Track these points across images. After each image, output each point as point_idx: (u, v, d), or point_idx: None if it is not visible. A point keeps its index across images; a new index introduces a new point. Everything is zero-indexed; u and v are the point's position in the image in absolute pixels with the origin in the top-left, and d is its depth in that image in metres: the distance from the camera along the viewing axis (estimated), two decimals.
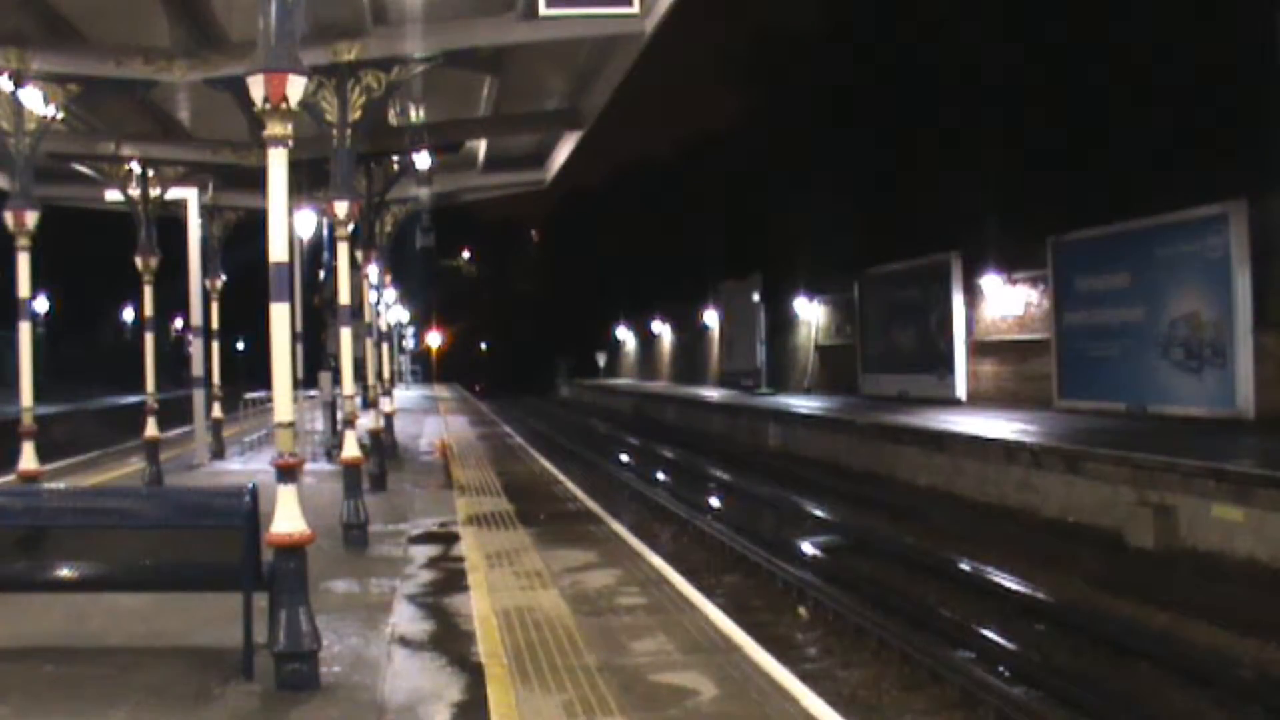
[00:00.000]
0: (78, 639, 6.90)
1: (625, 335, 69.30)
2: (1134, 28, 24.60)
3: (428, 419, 30.59)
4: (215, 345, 17.58)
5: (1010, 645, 9.77)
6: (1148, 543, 13.31)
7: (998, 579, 12.19)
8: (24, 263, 10.45)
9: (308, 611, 5.96)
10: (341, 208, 10.36)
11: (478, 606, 7.92)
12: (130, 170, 14.08)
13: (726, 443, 30.55)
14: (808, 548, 14.66)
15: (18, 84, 10.08)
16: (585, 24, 10.39)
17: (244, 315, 23.71)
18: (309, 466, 15.05)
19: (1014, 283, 24.78)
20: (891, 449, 21.06)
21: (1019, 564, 13.01)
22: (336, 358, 16.44)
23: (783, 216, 40.95)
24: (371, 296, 18.43)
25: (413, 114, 14.13)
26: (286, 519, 5.96)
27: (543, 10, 9.81)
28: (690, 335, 52.23)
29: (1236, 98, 21.54)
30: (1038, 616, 10.86)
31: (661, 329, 58.77)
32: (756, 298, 39.90)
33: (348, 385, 11.11)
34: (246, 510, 6.01)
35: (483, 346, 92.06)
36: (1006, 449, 17.04)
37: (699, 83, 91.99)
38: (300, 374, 18.72)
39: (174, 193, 14.99)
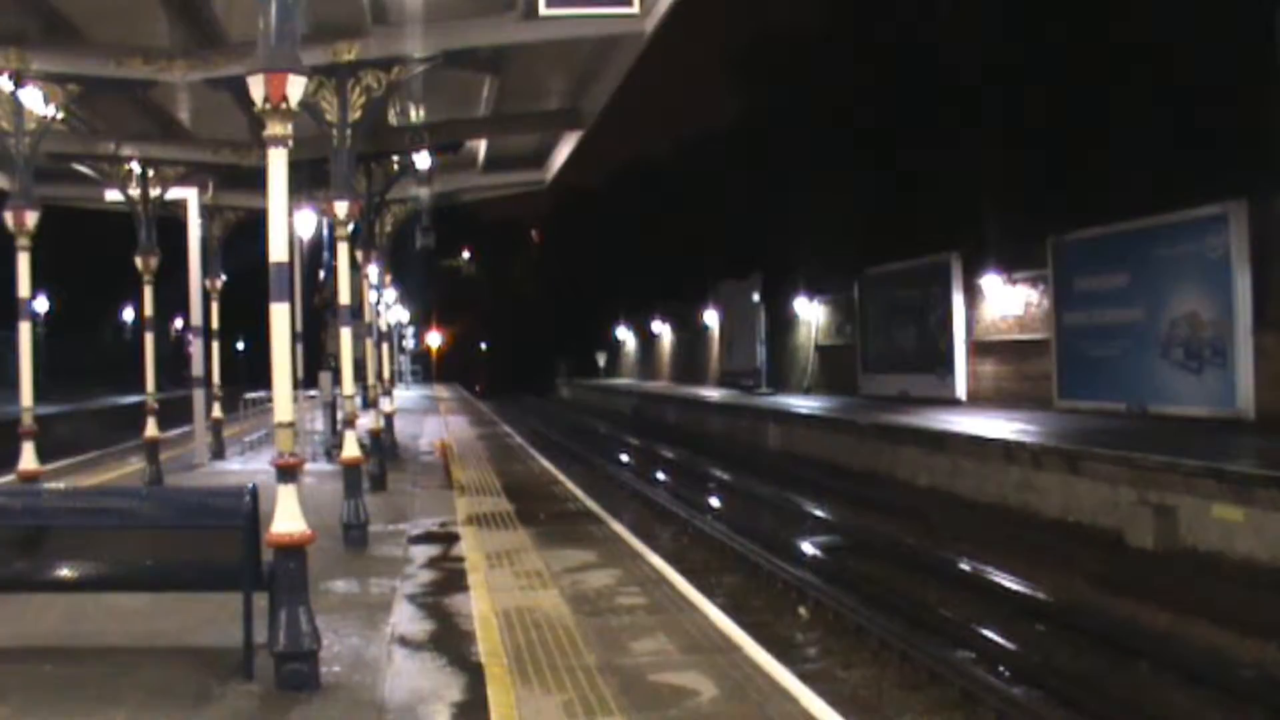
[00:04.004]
0: (78, 639, 6.90)
1: (625, 335, 69.27)
2: (1134, 28, 24.59)
3: (428, 419, 30.59)
4: (215, 345, 17.59)
5: (1010, 645, 9.77)
6: (1148, 543, 13.31)
7: (998, 579, 12.20)
8: (24, 263, 10.46)
9: (308, 611, 5.96)
10: (341, 208, 10.36)
11: (478, 606, 7.92)
12: (130, 170, 14.08)
13: (726, 443, 30.55)
14: (808, 548, 14.66)
15: (18, 84, 10.09)
16: (585, 24, 10.39)
17: (244, 315, 23.70)
18: (309, 466, 15.04)
19: (1014, 283, 24.77)
20: (891, 449, 21.06)
21: (1019, 564, 13.01)
22: (336, 358, 16.45)
23: (783, 216, 40.93)
24: (371, 296, 18.44)
25: (413, 114, 14.14)
26: (286, 519, 5.97)
27: (543, 10, 9.81)
28: (690, 335, 52.22)
29: (1236, 98, 21.53)
30: (1038, 616, 10.86)
31: (661, 329, 58.75)
32: (756, 298, 39.89)
33: (348, 385, 11.11)
34: (246, 510, 6.01)
35: (483, 346, 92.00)
36: (1006, 449, 17.03)
37: (699, 83, 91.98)
38: (300, 374, 18.72)
39: (174, 193, 14.99)
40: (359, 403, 13.49)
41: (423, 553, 10.12)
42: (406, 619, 7.61)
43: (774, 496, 19.58)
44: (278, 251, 6.23)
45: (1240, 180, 18.28)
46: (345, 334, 11.42)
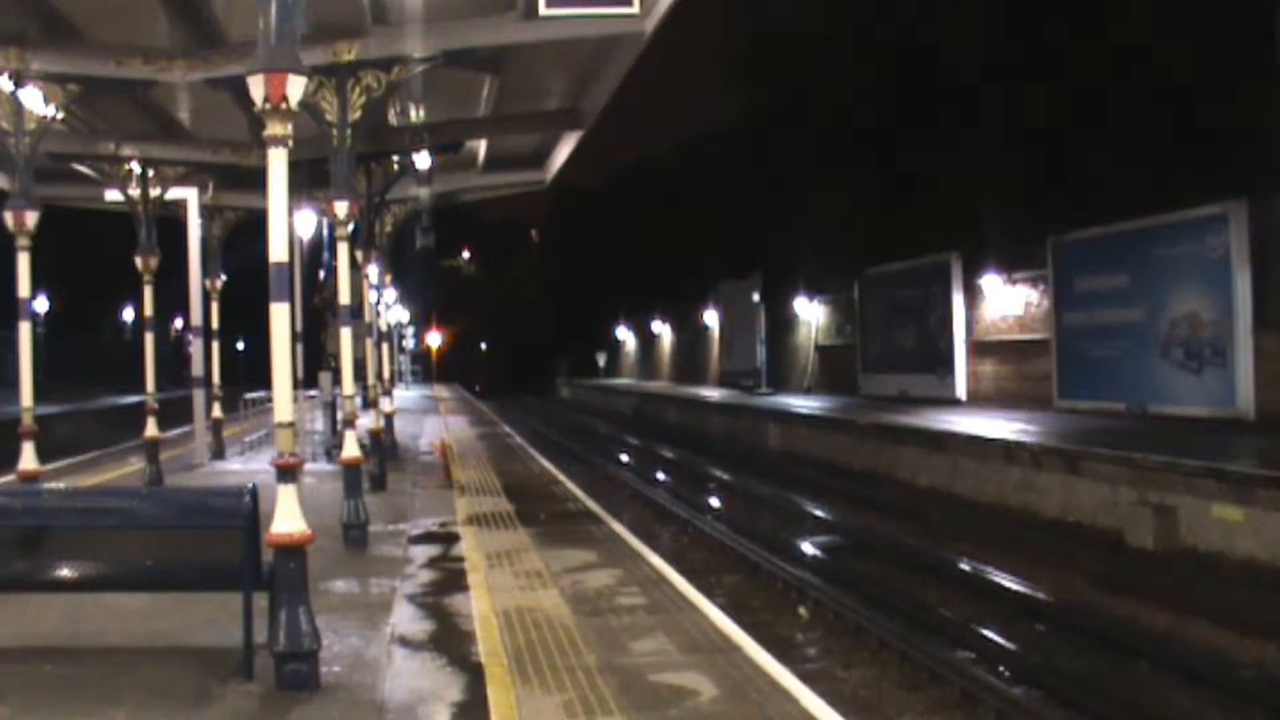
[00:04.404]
0: (78, 639, 6.90)
1: (625, 335, 69.28)
2: (1134, 28, 24.59)
3: (428, 419, 30.59)
4: (215, 345, 17.59)
5: (1010, 645, 9.77)
6: (1148, 543, 13.31)
7: (998, 579, 12.20)
8: (24, 263, 10.46)
9: (308, 611, 5.96)
10: (341, 208, 10.36)
11: (478, 606, 7.92)
12: (130, 170, 14.08)
13: (727, 443, 30.55)
14: (807, 548, 14.66)
15: (18, 84, 10.09)
16: (585, 24, 10.39)
17: (244, 315, 23.70)
18: (309, 466, 15.05)
19: (1014, 283, 24.77)
20: (891, 449, 21.06)
21: (1019, 564, 13.02)
22: (336, 358, 16.45)
23: (783, 216, 40.92)
24: (371, 296, 18.43)
25: (413, 114, 14.13)
26: (286, 519, 5.96)
27: (543, 10, 9.81)
28: (690, 335, 52.23)
29: (1236, 98, 21.53)
30: (1038, 616, 10.86)
31: (661, 329, 58.76)
32: (756, 298, 39.88)
33: (348, 385, 11.11)
34: (246, 510, 6.01)
35: (483, 346, 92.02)
36: (1006, 449, 17.03)
37: (699, 83, 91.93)
38: (300, 374, 18.72)
39: (174, 193, 14.99)
40: (359, 403, 13.48)
41: (423, 553, 10.12)
42: (406, 619, 7.61)
43: (774, 496, 19.57)
44: (278, 251, 6.24)
45: (1240, 180, 18.28)
46: (345, 334, 11.43)
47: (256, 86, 6.02)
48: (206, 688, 5.93)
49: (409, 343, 69.54)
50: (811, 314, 37.12)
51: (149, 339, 14.84)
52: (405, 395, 43.26)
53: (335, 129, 9.91)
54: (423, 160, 15.00)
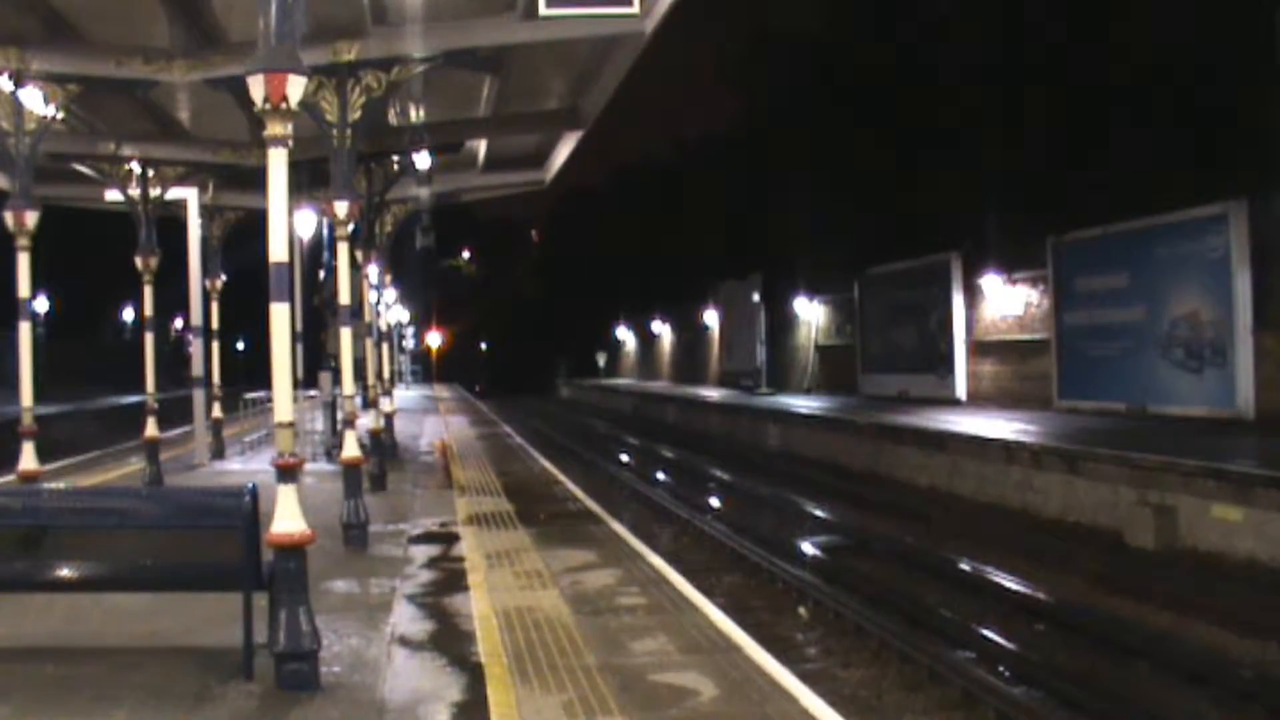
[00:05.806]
0: (78, 639, 6.90)
1: (625, 335, 69.28)
2: (1134, 27, 24.59)
3: (428, 419, 30.59)
4: (215, 345, 17.58)
5: (1010, 645, 9.76)
6: (1148, 542, 13.31)
7: (997, 579, 12.19)
8: (24, 263, 10.46)
9: (308, 611, 5.96)
10: (341, 208, 10.35)
11: (478, 606, 7.92)
12: (130, 170, 14.07)
13: (727, 443, 30.55)
14: (808, 548, 14.65)
15: (18, 84, 10.09)
16: (585, 24, 10.38)
17: (244, 315, 23.70)
18: (309, 466, 15.04)
19: (1014, 283, 24.78)
20: (891, 449, 21.06)
21: (1019, 564, 13.02)
22: (336, 358, 16.44)
23: (783, 216, 40.93)
24: (371, 296, 18.43)
25: (413, 114, 14.13)
26: (287, 519, 5.96)
27: (543, 10, 9.81)
28: (690, 335, 52.24)
29: (1236, 98, 21.53)
30: (1037, 616, 10.86)
31: (661, 329, 58.76)
32: (756, 298, 39.90)
33: (348, 385, 11.10)
34: (246, 510, 6.01)
35: (483, 346, 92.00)
36: (1006, 449, 17.03)
37: (699, 83, 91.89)
38: (300, 374, 18.71)
39: (174, 193, 14.98)
40: (359, 403, 13.48)
41: (423, 553, 10.12)
42: (406, 619, 7.61)
43: (774, 496, 19.56)
44: (278, 251, 6.23)
45: (1240, 180, 18.29)
46: (345, 334, 11.41)
47: (256, 86, 6.02)
48: (206, 688, 5.94)
49: (409, 343, 69.55)
50: (811, 314, 37.13)
51: (149, 339, 14.82)
52: (405, 395, 43.27)
53: (335, 129, 9.90)
54: (423, 160, 15.00)
